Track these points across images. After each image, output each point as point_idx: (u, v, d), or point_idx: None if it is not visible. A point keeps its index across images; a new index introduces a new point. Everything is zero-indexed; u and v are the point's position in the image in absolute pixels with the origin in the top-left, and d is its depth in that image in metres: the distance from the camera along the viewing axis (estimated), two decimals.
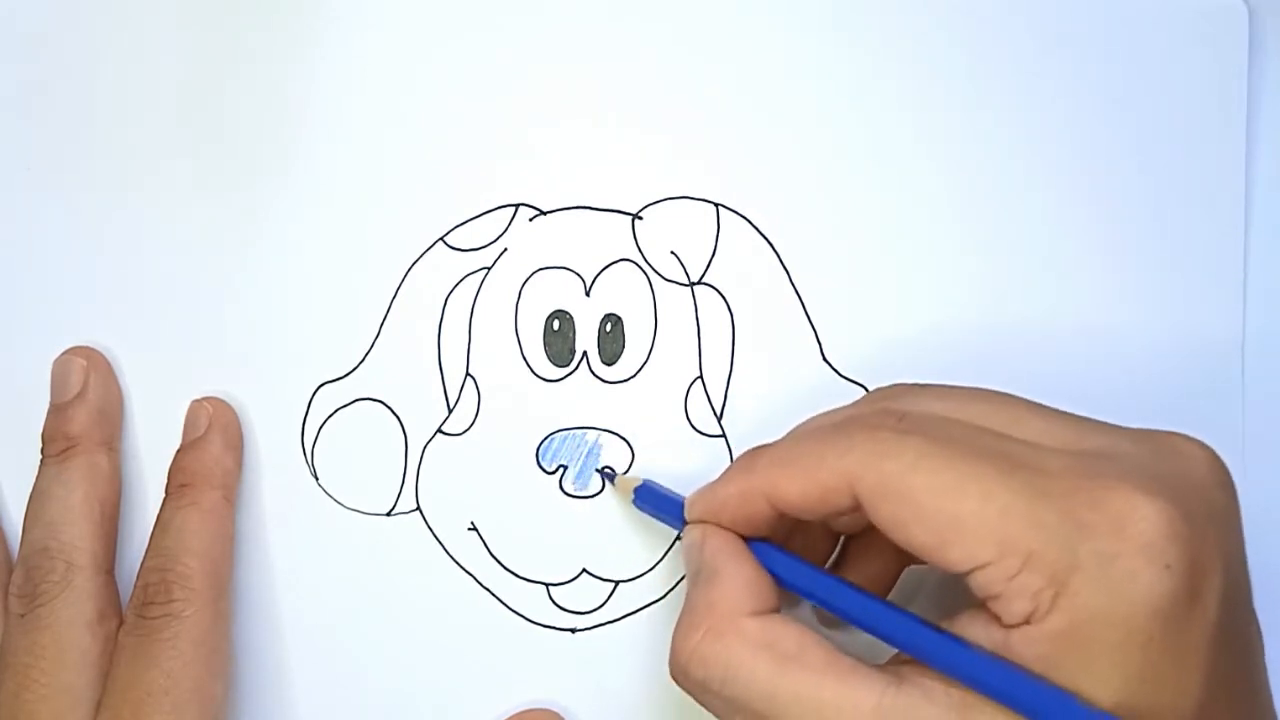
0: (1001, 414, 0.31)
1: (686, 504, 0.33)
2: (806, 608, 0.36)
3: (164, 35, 0.38)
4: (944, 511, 0.28)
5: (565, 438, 0.38)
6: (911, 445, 0.29)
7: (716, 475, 0.33)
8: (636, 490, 0.36)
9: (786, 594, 0.32)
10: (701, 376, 0.38)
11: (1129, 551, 0.27)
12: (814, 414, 0.34)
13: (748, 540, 0.32)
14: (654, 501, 0.36)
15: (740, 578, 0.31)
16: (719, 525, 0.32)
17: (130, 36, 0.39)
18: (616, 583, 0.38)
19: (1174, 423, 0.31)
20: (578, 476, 0.38)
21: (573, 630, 0.38)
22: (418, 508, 0.38)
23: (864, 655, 0.30)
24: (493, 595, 0.38)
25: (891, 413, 0.31)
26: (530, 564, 0.38)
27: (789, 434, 0.34)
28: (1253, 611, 0.30)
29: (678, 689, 0.31)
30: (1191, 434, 0.31)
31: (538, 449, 0.38)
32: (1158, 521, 0.27)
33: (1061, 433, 0.30)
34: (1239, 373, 0.38)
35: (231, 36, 0.38)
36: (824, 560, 0.35)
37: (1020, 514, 0.27)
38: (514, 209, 0.38)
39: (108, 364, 0.38)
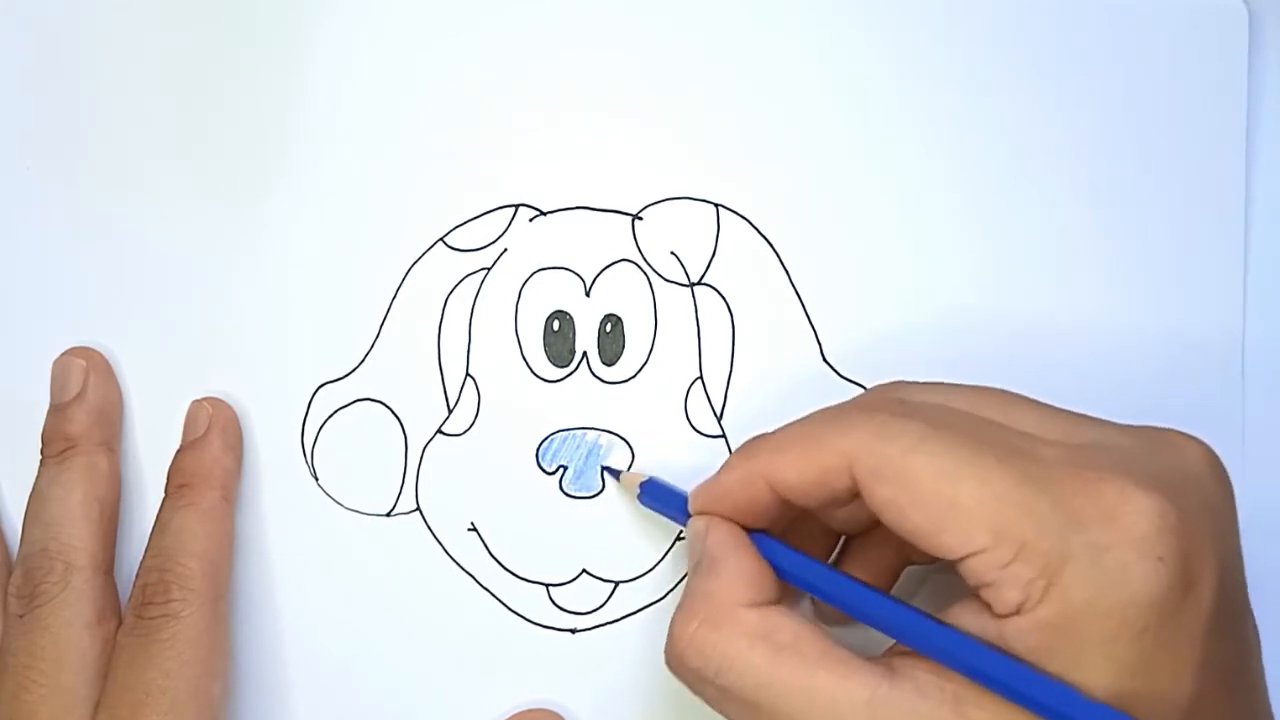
0: (1000, 407, 0.31)
1: (690, 497, 0.33)
2: (806, 602, 0.36)
3: (164, 35, 0.39)
4: (941, 495, 0.28)
5: (565, 438, 0.38)
6: (911, 429, 0.29)
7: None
8: (642, 486, 0.36)
9: (789, 590, 0.32)
10: (701, 377, 0.38)
11: (1121, 544, 0.27)
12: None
13: (751, 533, 0.32)
14: (659, 497, 0.36)
15: (740, 568, 0.31)
16: (722, 516, 0.32)
17: (130, 36, 0.39)
18: (616, 583, 0.38)
19: (1174, 422, 0.31)
20: (578, 477, 0.38)
21: (573, 630, 0.38)
22: (418, 508, 0.38)
23: (862, 649, 0.29)
24: (493, 596, 0.38)
25: (893, 399, 0.31)
26: (530, 564, 0.38)
27: (790, 422, 0.34)
28: (1248, 608, 0.30)
29: (678, 689, 0.31)
30: (1191, 433, 0.31)
31: (538, 449, 0.38)
32: (1150, 514, 0.27)
33: (1059, 426, 0.30)
34: (1239, 373, 0.38)
35: (231, 36, 0.38)
36: (822, 559, 0.35)
37: (1015, 502, 0.27)
38: (514, 209, 0.38)
39: (108, 364, 0.38)
